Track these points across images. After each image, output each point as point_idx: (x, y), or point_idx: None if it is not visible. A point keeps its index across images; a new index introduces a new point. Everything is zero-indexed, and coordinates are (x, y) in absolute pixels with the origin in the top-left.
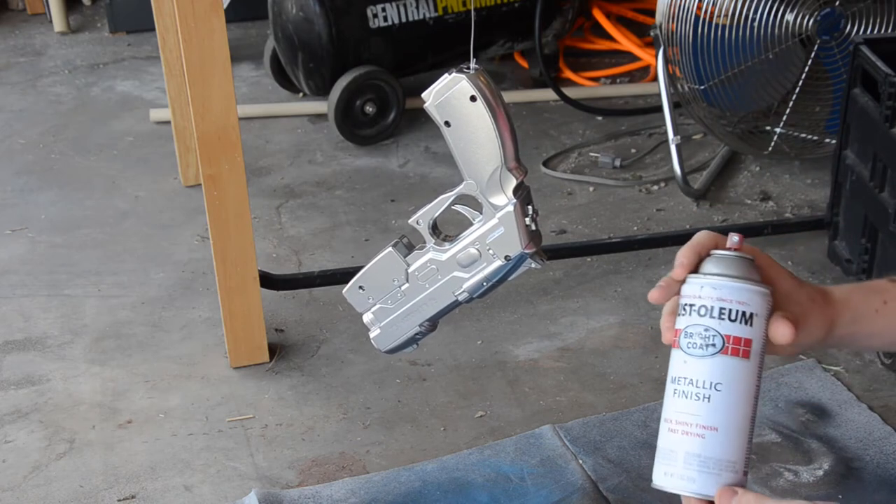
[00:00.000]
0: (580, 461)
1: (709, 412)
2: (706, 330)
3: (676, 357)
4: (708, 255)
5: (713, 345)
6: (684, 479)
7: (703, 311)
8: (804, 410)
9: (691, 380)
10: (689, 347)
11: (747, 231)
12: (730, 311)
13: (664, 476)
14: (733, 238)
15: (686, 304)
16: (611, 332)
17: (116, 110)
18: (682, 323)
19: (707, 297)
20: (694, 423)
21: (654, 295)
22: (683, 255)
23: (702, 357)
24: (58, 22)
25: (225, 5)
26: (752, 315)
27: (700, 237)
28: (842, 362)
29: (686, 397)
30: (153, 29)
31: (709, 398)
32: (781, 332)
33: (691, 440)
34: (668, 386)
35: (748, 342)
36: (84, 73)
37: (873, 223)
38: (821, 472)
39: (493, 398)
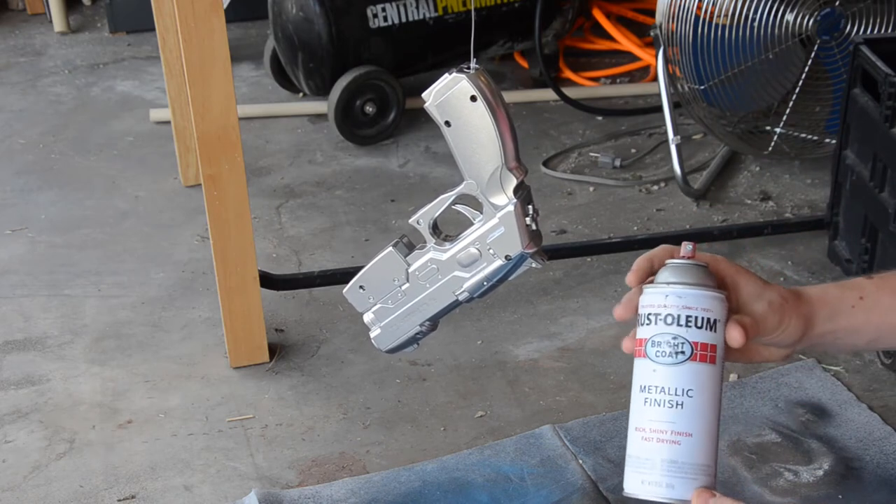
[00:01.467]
0: (580, 461)
1: (682, 418)
2: (674, 338)
3: (643, 366)
4: (663, 265)
5: (682, 352)
6: (663, 486)
7: (669, 320)
8: (804, 410)
9: (663, 388)
10: (657, 356)
11: (747, 231)
12: (696, 318)
13: (641, 484)
14: (687, 247)
15: (650, 314)
16: (611, 332)
17: (116, 110)
18: (647, 332)
19: (672, 305)
20: (669, 430)
21: (619, 312)
22: (638, 263)
23: (672, 365)
24: (58, 22)
25: (225, 5)
26: (715, 321)
27: (657, 249)
28: (842, 362)
29: (659, 405)
30: (153, 29)
31: (682, 405)
32: (732, 336)
33: (668, 447)
34: (636, 395)
35: (713, 348)
36: (84, 73)
37: (873, 223)
38: (821, 472)
39: (493, 398)
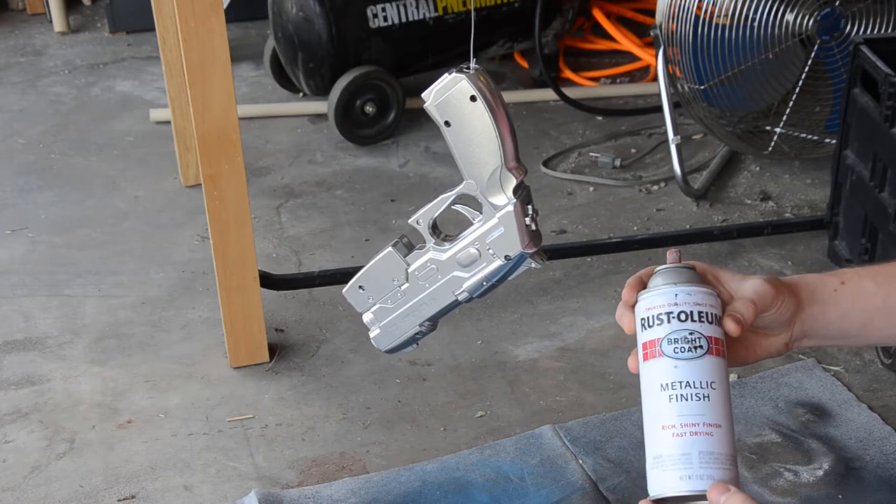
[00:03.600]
0: (580, 461)
1: (711, 410)
2: (691, 333)
3: (662, 365)
4: (653, 273)
5: (700, 346)
6: (703, 478)
7: (683, 317)
8: (804, 410)
9: (688, 382)
10: (677, 353)
11: (747, 231)
12: (707, 314)
13: (680, 480)
14: (674, 254)
15: (660, 314)
16: (611, 332)
17: (116, 110)
18: (660, 332)
19: (684, 303)
20: (701, 422)
21: (627, 325)
22: (630, 282)
23: (693, 359)
24: (58, 22)
25: (225, 5)
26: (719, 317)
27: (641, 271)
28: (842, 362)
29: (687, 400)
30: (153, 29)
31: (708, 397)
32: (729, 327)
33: (703, 439)
34: (657, 395)
35: (721, 342)
36: (84, 73)
37: (873, 223)
38: (821, 472)
39: (493, 398)
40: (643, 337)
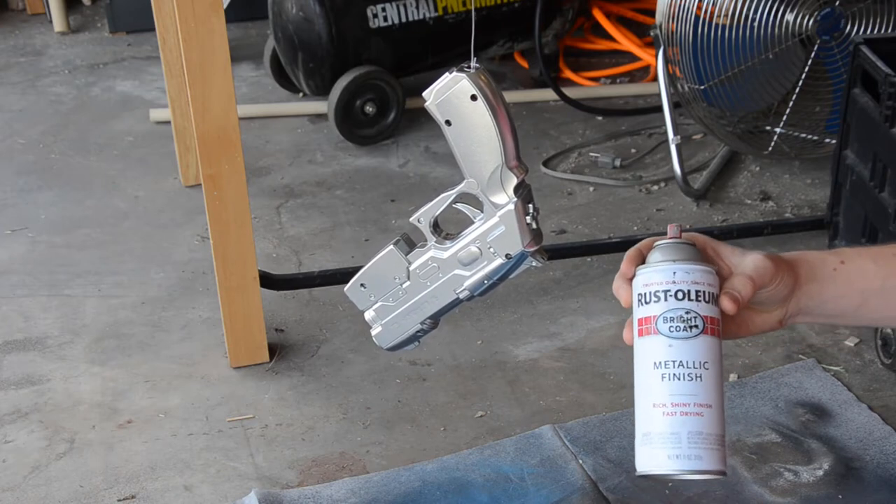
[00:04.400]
0: (580, 461)
1: (703, 390)
2: (687, 312)
3: (656, 342)
4: (652, 246)
5: (696, 326)
6: (692, 458)
7: (680, 295)
8: (804, 410)
9: (681, 362)
10: (672, 331)
11: (747, 231)
12: (704, 293)
13: (668, 459)
14: (675, 229)
15: (657, 291)
16: (611, 331)
17: (116, 110)
18: (655, 309)
19: (682, 281)
20: (692, 402)
21: (624, 298)
22: (629, 254)
23: (687, 339)
24: (58, 22)
25: (225, 5)
26: (716, 295)
27: (641, 242)
28: (842, 362)
29: (679, 379)
30: (153, 29)
31: (700, 377)
32: (726, 305)
33: (693, 419)
34: (649, 373)
35: (717, 321)
36: (84, 73)
37: (873, 223)
38: (821, 472)
39: (493, 398)
40: (639, 313)
